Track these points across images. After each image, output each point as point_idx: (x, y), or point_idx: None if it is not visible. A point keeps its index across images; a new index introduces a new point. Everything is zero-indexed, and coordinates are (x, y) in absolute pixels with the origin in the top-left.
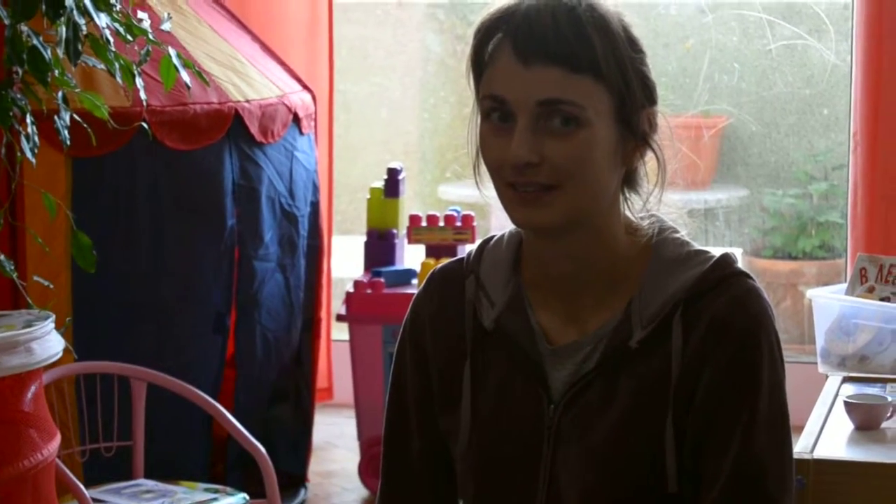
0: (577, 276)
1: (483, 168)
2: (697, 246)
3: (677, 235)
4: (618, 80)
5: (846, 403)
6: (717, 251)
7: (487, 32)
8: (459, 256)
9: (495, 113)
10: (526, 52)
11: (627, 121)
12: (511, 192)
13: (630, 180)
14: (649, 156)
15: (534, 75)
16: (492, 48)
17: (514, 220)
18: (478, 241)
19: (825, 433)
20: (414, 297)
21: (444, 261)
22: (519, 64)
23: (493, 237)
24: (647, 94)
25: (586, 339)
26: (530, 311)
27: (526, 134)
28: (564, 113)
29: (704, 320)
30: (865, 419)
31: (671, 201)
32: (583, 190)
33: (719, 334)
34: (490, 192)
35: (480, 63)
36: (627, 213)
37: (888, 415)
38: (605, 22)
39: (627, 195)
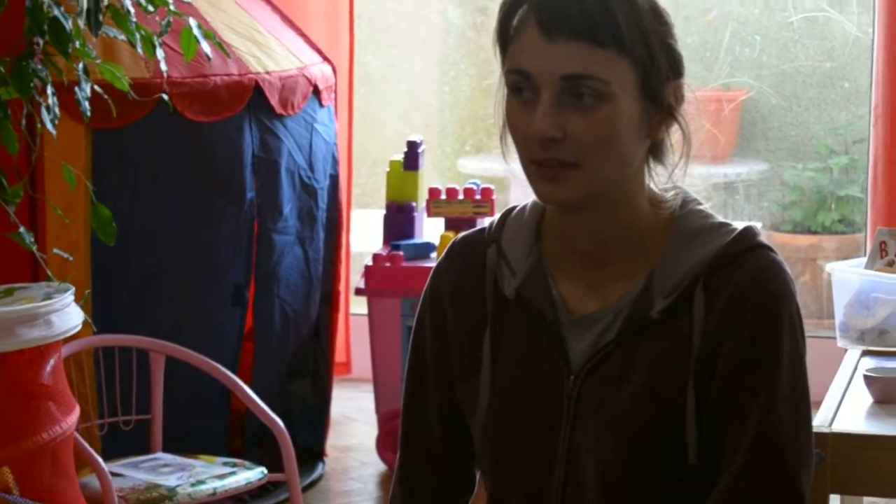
0: (600, 248)
1: (509, 139)
2: (721, 218)
3: (701, 207)
4: (642, 53)
5: (865, 377)
6: (740, 224)
7: (513, 6)
8: (480, 227)
9: (520, 87)
10: (550, 27)
11: (653, 94)
12: (534, 167)
13: (655, 152)
14: (674, 128)
15: (558, 50)
16: (517, 22)
17: (537, 195)
18: (499, 213)
19: (844, 407)
20: (434, 266)
21: (463, 233)
22: (543, 38)
23: (515, 207)
24: (674, 66)
25: (607, 309)
26: (551, 281)
27: (549, 109)
28: (589, 88)
29: (726, 292)
30: (885, 392)
31: (694, 174)
32: (606, 166)
33: (741, 307)
34: (514, 164)
35: (506, 36)
36: (652, 185)
37: None
38: None
39: (652, 167)
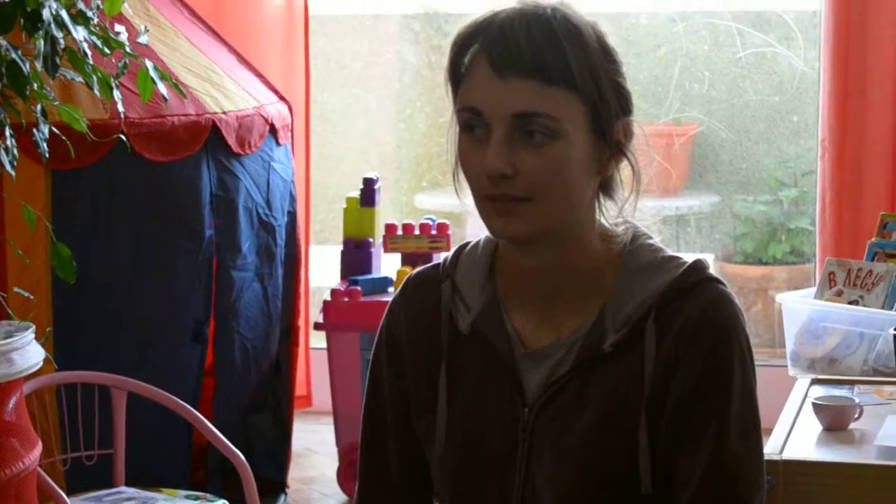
0: (552, 282)
1: (462, 176)
2: (670, 252)
3: (651, 242)
4: (592, 90)
5: (815, 405)
6: (689, 257)
7: (464, 44)
8: (435, 262)
9: (472, 124)
10: (501, 65)
11: (602, 131)
12: (487, 203)
13: (606, 188)
14: (624, 163)
15: (509, 87)
16: (468, 60)
17: (490, 230)
18: (454, 247)
19: (794, 434)
20: (390, 301)
21: (418, 269)
22: (494, 76)
23: (468, 243)
24: (623, 103)
25: (560, 342)
26: (505, 316)
27: (501, 146)
28: (539, 125)
29: (677, 325)
30: (834, 420)
31: (645, 208)
32: (557, 201)
33: (691, 339)
34: (468, 199)
35: (457, 74)
36: (602, 220)
37: (856, 416)
38: (579, 33)
39: (603, 202)
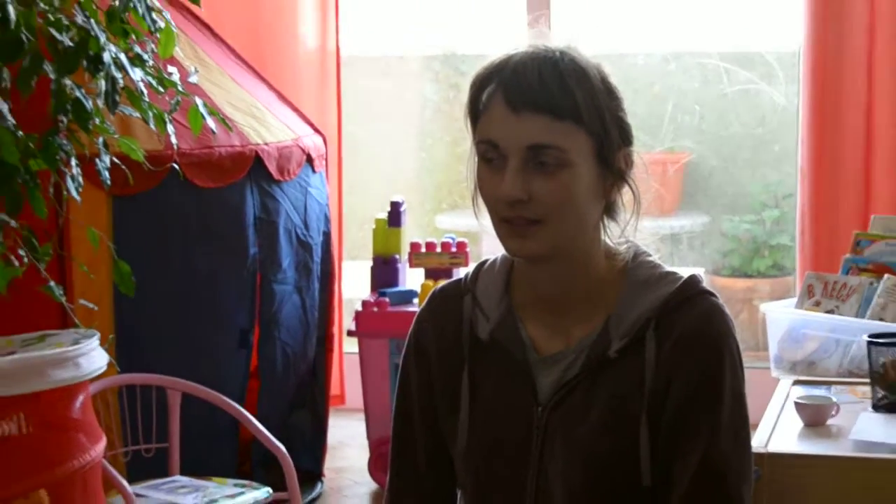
0: (562, 295)
1: (480, 200)
2: (668, 268)
3: (650, 259)
4: (596, 125)
5: (796, 404)
6: (685, 272)
7: (482, 83)
8: (457, 277)
9: (490, 155)
10: (515, 102)
11: (606, 160)
12: (504, 225)
13: (609, 210)
14: (626, 188)
15: (522, 123)
16: (486, 97)
17: (507, 250)
18: (473, 265)
19: (778, 430)
20: (417, 313)
21: (442, 282)
22: (509, 112)
23: (487, 260)
24: (624, 135)
25: (570, 349)
26: (521, 325)
27: (516, 174)
28: (550, 156)
29: (675, 334)
30: (813, 417)
31: (644, 228)
32: (567, 223)
33: (688, 346)
34: (485, 221)
35: (476, 110)
36: (606, 239)
37: (833, 413)
38: (585, 74)
39: (606, 224)
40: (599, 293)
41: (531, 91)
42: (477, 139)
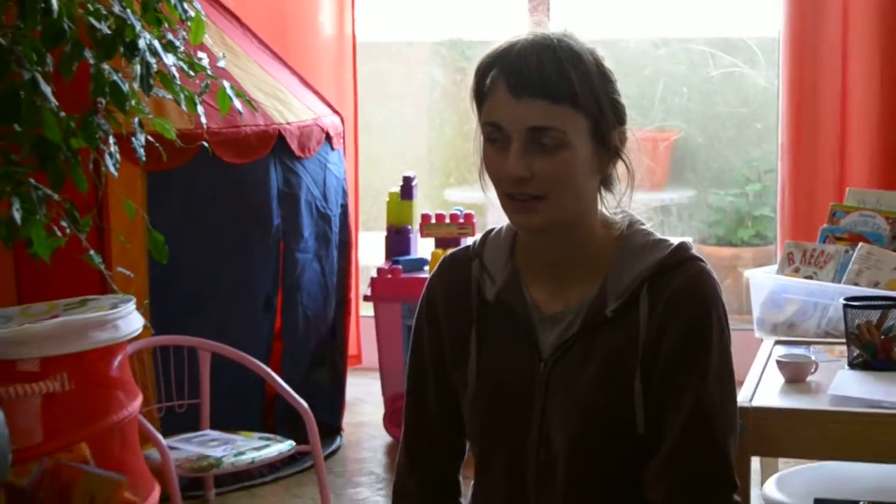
0: (562, 260)
1: (486, 176)
2: (660, 236)
3: (644, 227)
4: (592, 107)
5: (778, 362)
6: (675, 240)
7: (486, 69)
8: (465, 245)
9: (494, 136)
10: (516, 87)
11: (602, 138)
12: (509, 200)
13: (606, 183)
14: (621, 163)
15: (523, 106)
16: (489, 82)
17: (512, 223)
18: (479, 233)
19: (761, 386)
20: (428, 277)
21: (451, 250)
22: (511, 97)
23: (493, 229)
24: (618, 115)
25: (569, 309)
26: (524, 287)
27: (519, 154)
28: (550, 137)
29: (666, 293)
30: (794, 374)
31: (637, 200)
32: (566, 197)
33: (678, 304)
34: (491, 194)
35: (481, 94)
36: (603, 209)
37: (812, 371)
38: (581, 59)
39: (604, 195)
40: (597, 258)
41: (531, 77)
42: (482, 121)
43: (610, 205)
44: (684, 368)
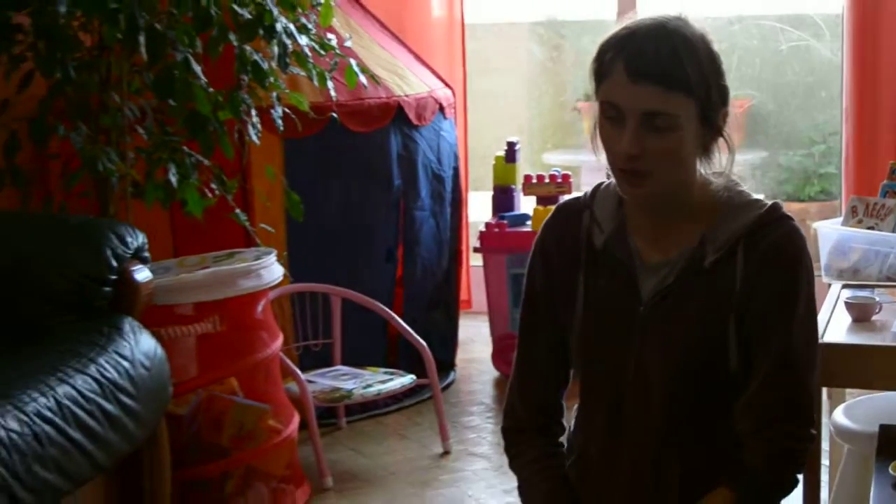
0: (665, 215)
1: (599, 143)
2: (755, 196)
3: (741, 188)
4: (702, 92)
5: (846, 303)
6: (769, 201)
7: (606, 51)
8: (576, 195)
9: (611, 114)
10: (634, 72)
11: (709, 121)
12: (620, 173)
13: (706, 153)
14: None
15: (639, 90)
16: (608, 62)
17: (622, 192)
18: (574, 192)
19: (830, 325)
20: (543, 223)
21: (550, 208)
22: (628, 80)
23: (602, 182)
24: (723, 97)
25: (670, 260)
26: (629, 237)
27: (633, 134)
28: (662, 120)
29: (761, 249)
30: (859, 314)
31: (732, 163)
32: (673, 173)
33: (771, 259)
34: (603, 158)
35: (600, 73)
36: (702, 171)
37: (876, 311)
38: (694, 47)
39: (704, 161)
40: (696, 215)
41: (648, 64)
42: (600, 98)
43: (713, 165)
44: (775, 316)
